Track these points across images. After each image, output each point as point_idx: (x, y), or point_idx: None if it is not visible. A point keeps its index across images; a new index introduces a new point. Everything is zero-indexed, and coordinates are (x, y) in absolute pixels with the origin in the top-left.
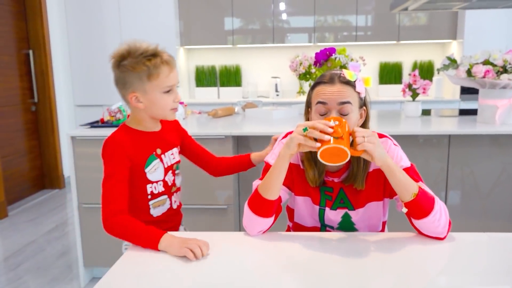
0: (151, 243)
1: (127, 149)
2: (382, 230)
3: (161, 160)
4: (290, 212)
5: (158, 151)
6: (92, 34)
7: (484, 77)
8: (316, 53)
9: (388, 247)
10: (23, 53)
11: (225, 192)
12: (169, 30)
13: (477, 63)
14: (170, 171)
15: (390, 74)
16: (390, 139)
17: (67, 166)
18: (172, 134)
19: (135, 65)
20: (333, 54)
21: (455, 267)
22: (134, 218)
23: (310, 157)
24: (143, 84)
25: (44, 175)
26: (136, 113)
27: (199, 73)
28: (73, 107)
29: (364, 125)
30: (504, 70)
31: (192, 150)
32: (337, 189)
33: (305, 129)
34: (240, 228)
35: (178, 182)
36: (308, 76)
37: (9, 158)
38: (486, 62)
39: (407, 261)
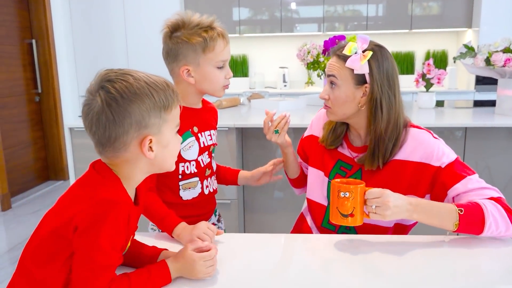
0: (167, 229)
1: None
2: (401, 232)
3: (197, 139)
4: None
5: (195, 129)
6: (96, 23)
7: (504, 66)
8: (325, 41)
9: (395, 250)
10: (26, 42)
11: (229, 186)
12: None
13: (496, 51)
14: (206, 152)
15: (402, 64)
16: (430, 132)
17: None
18: (211, 116)
19: (190, 36)
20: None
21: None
22: (158, 199)
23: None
24: (197, 57)
25: (48, 167)
26: (182, 88)
27: None
28: (77, 98)
29: (370, 103)
30: None
31: None
32: (356, 168)
33: (276, 131)
34: (244, 224)
35: (214, 167)
36: (316, 65)
37: (13, 149)
38: (506, 50)
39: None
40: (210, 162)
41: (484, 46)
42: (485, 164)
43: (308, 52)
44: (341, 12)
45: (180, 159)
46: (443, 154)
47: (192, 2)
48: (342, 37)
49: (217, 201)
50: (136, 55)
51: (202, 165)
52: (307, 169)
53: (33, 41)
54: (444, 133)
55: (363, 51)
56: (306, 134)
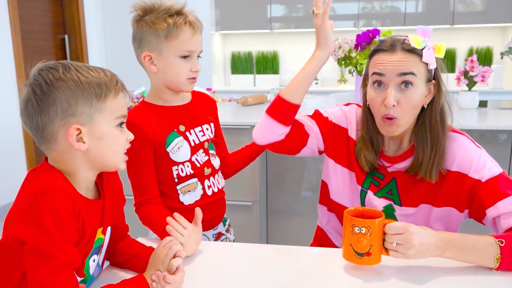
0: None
1: (144, 128)
2: None
3: (186, 138)
4: (324, 192)
5: (182, 127)
6: (127, 19)
7: None
8: (358, 35)
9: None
10: (59, 38)
11: (250, 187)
12: (204, 14)
13: None
14: (201, 150)
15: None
16: (471, 139)
17: None
18: (205, 110)
19: (156, 21)
20: (377, 36)
21: None
22: (159, 209)
23: (367, 135)
24: (159, 44)
25: None
26: (153, 83)
27: (235, 60)
28: None
29: (433, 103)
30: None
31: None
32: (388, 177)
33: (313, 12)
34: (267, 229)
35: (216, 164)
36: (348, 61)
37: None
38: None
39: None
40: (208, 160)
41: None
42: None
43: (339, 47)
44: (378, 8)
45: (171, 162)
46: (484, 167)
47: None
48: (376, 31)
49: (236, 203)
50: None
51: (199, 165)
52: (315, 140)
53: (66, 36)
54: (486, 136)
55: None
56: (334, 120)
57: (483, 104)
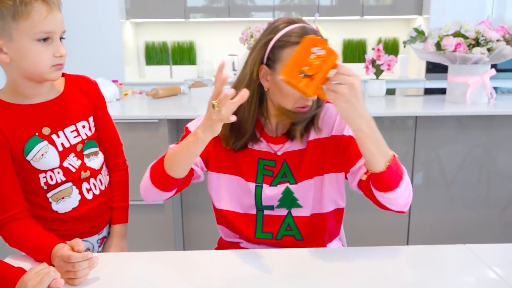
0: (44, 258)
1: None
2: (338, 218)
3: (52, 143)
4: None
5: (46, 130)
6: None
7: (454, 50)
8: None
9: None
10: None
11: None
12: (112, 1)
13: (447, 35)
14: (73, 154)
15: (354, 52)
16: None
17: None
18: (81, 102)
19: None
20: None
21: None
22: (28, 225)
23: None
24: (7, 27)
25: None
26: (8, 76)
27: (149, 50)
28: None
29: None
30: (477, 43)
31: (98, 132)
32: (280, 161)
33: (213, 105)
34: (183, 228)
35: (94, 164)
36: None
37: None
38: (457, 34)
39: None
40: (83, 164)
41: (434, 30)
42: (436, 153)
43: (251, 36)
44: (297, 1)
45: (36, 170)
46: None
47: None
48: None
49: (144, 203)
50: None
51: (74, 170)
52: (202, 170)
53: None
54: (396, 122)
55: None
56: None
57: (391, 91)
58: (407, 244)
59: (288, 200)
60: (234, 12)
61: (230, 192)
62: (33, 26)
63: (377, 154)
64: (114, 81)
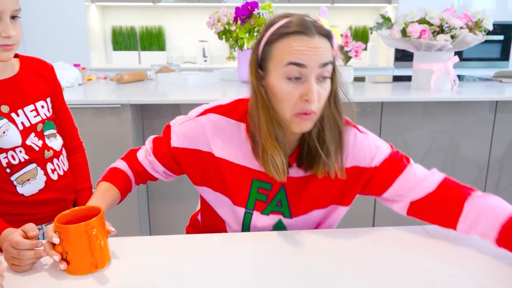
0: None
1: None
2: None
3: (12, 121)
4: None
5: (4, 108)
6: None
7: (419, 37)
8: (236, 8)
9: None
10: None
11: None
12: None
13: (412, 22)
14: (33, 134)
15: None
16: (356, 127)
17: None
18: (38, 83)
19: None
20: (256, 10)
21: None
22: None
23: (273, 135)
24: None
25: None
26: None
27: (117, 35)
28: None
29: (331, 92)
30: (441, 30)
31: (55, 115)
32: (277, 186)
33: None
34: (149, 214)
35: (55, 145)
36: (228, 34)
37: None
38: (422, 21)
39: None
40: (44, 144)
41: (400, 16)
42: (402, 139)
43: (218, 20)
44: None
45: None
46: (376, 150)
47: None
48: (255, 4)
49: None
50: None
51: (37, 148)
52: (170, 176)
53: None
54: (363, 108)
55: None
56: (180, 145)
57: (361, 79)
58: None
59: (279, 229)
60: None
61: (214, 205)
62: None
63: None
64: (76, 65)
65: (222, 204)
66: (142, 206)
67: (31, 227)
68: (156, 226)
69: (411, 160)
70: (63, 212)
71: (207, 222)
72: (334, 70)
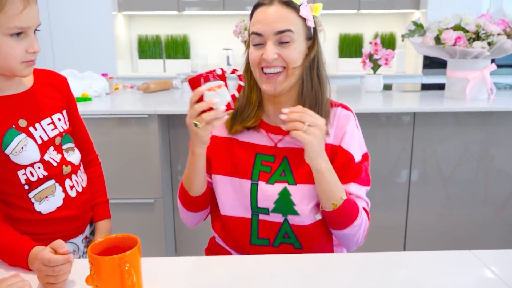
0: (20, 262)
1: None
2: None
3: (30, 135)
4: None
5: (22, 123)
6: None
7: (454, 44)
8: None
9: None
10: None
11: (152, 183)
12: None
13: (447, 29)
14: (52, 148)
15: (350, 46)
16: (355, 117)
17: None
18: (53, 95)
19: None
20: None
21: None
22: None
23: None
24: None
25: None
26: None
27: (142, 44)
28: None
29: (313, 62)
30: (477, 37)
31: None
32: (279, 157)
33: (196, 125)
34: (174, 224)
35: (74, 160)
36: None
37: None
38: (457, 28)
39: None
40: (63, 158)
41: (433, 23)
42: (433, 150)
43: (245, 29)
44: None
45: (16, 166)
46: (359, 148)
47: None
48: None
49: (134, 201)
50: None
51: (56, 164)
52: (211, 179)
53: None
54: (392, 118)
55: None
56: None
57: (388, 87)
58: (405, 240)
59: (285, 203)
60: (229, 5)
61: (226, 195)
62: (7, 20)
63: (330, 194)
64: (104, 75)
65: (227, 189)
66: (167, 218)
67: (60, 244)
68: (180, 240)
69: (369, 183)
70: (96, 241)
71: (219, 231)
72: (314, 37)
